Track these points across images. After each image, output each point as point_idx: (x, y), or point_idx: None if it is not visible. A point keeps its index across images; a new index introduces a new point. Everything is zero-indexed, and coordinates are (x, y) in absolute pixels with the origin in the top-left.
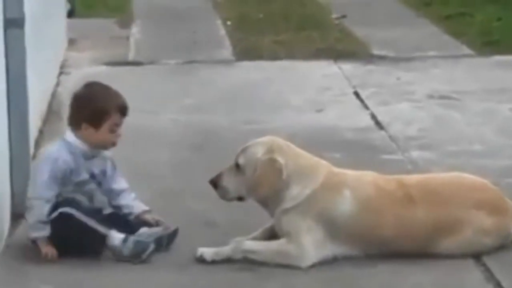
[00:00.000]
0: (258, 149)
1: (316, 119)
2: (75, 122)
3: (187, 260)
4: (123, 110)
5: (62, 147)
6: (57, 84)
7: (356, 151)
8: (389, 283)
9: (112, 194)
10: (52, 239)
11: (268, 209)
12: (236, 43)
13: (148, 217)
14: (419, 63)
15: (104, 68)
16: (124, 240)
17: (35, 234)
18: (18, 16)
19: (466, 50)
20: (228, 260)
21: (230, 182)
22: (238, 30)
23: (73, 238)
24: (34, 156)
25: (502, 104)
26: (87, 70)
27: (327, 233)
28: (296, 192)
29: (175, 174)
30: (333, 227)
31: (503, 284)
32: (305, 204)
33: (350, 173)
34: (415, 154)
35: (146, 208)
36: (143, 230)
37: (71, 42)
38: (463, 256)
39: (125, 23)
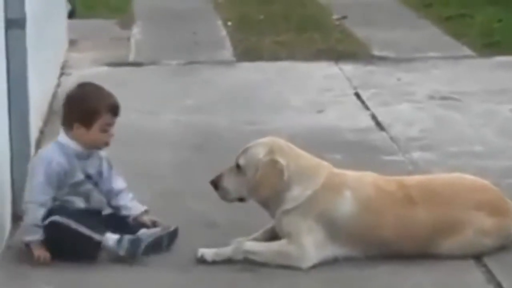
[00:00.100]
0: (259, 150)
1: (316, 120)
2: (68, 122)
3: (188, 261)
4: (114, 110)
5: (55, 149)
6: (58, 85)
7: (357, 152)
8: (390, 284)
9: (110, 194)
10: (46, 244)
11: (269, 210)
12: (237, 43)
13: (145, 219)
14: (419, 64)
15: (105, 69)
16: (119, 241)
17: (28, 238)
18: (19, 16)
19: (467, 51)
20: (228, 261)
21: (230, 183)
22: (239, 31)
23: (66, 245)
24: None
25: (503, 105)
26: (88, 71)
27: (327, 234)
28: (297, 193)
29: (175, 174)
30: (333, 228)
31: (504, 285)
32: (306, 205)
33: (350, 174)
34: (415, 155)
35: (144, 209)
36: (142, 231)
37: (72, 43)
38: (463, 257)
39: (126, 24)
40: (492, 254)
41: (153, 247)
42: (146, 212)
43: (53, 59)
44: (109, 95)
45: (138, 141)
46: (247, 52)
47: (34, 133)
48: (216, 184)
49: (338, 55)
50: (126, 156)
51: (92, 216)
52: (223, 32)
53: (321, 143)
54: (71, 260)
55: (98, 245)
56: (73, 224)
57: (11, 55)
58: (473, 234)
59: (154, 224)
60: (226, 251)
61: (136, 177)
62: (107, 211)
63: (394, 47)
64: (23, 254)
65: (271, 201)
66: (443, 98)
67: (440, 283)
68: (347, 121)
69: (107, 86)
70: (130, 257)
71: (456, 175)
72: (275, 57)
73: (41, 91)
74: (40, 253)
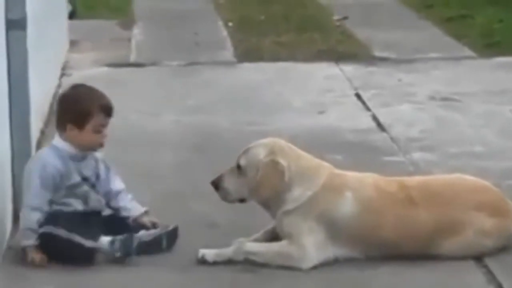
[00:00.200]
0: (260, 151)
1: (317, 120)
2: (61, 124)
3: (189, 261)
4: (107, 110)
5: (50, 152)
6: (59, 86)
7: (358, 152)
8: (390, 284)
9: (109, 195)
10: (41, 249)
11: (270, 211)
12: (238, 44)
13: (145, 220)
14: (420, 64)
15: (105, 69)
16: (112, 242)
17: (23, 243)
18: (20, 17)
19: (468, 52)
20: (229, 262)
21: (231, 184)
22: (240, 31)
23: (60, 254)
24: None
25: (504, 106)
26: (89, 71)
27: (328, 234)
28: (297, 194)
29: (176, 175)
30: (334, 229)
31: (504, 285)
32: (307, 206)
33: (351, 174)
34: (416, 155)
35: (143, 210)
36: (142, 233)
37: (73, 44)
38: (464, 257)
39: (127, 25)
40: (492, 255)
41: (151, 247)
42: (146, 213)
43: (53, 60)
44: (101, 96)
45: (139, 142)
46: (248, 53)
47: (34, 134)
48: (216, 184)
49: (338, 56)
50: (126, 157)
51: (90, 218)
52: (224, 33)
53: (322, 144)
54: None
55: (90, 251)
56: (64, 234)
57: (12, 55)
58: (474, 234)
59: (154, 226)
60: (226, 251)
61: (137, 177)
62: (107, 212)
63: (395, 48)
64: (24, 255)
65: (271, 201)
66: (444, 99)
67: (440, 284)
68: (348, 122)
69: (108, 87)
70: (125, 256)
71: (456, 176)
72: (275, 58)
73: (42, 92)
74: (36, 256)
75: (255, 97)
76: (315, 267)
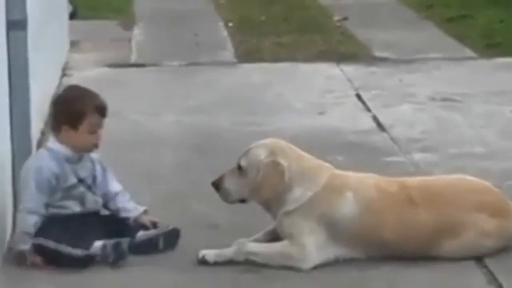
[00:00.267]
0: (261, 152)
1: (318, 121)
2: (56, 126)
3: (189, 262)
4: (101, 110)
5: (45, 155)
6: (59, 86)
7: (358, 153)
8: (391, 285)
9: (107, 197)
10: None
11: (271, 211)
12: (238, 45)
13: (145, 220)
14: (421, 65)
15: (106, 70)
16: (103, 247)
17: (21, 246)
18: (21, 18)
19: (468, 52)
20: (230, 262)
21: (232, 184)
22: (240, 32)
23: (54, 262)
24: None
25: (504, 106)
26: (89, 72)
27: (329, 235)
28: (298, 194)
29: (176, 175)
30: (335, 229)
31: (505, 286)
32: (307, 206)
33: (352, 175)
34: (417, 156)
35: (142, 209)
36: (140, 234)
37: (73, 44)
38: (465, 258)
39: (127, 25)
40: (493, 256)
41: (148, 248)
42: (145, 212)
43: (54, 60)
44: (95, 96)
45: (139, 142)
46: (248, 53)
47: (35, 134)
48: (217, 185)
49: (339, 57)
50: (127, 157)
51: (87, 220)
52: (224, 33)
53: (322, 145)
54: None
55: (80, 260)
56: (53, 245)
57: (13, 56)
58: (474, 235)
59: (154, 225)
60: (227, 252)
61: (137, 177)
62: (105, 211)
63: (395, 48)
64: (24, 255)
65: (272, 202)
66: (444, 99)
67: (441, 284)
68: (348, 123)
69: (108, 87)
70: (117, 260)
71: (457, 176)
72: (276, 58)
73: (43, 92)
74: (34, 260)
75: (255, 98)
76: (315, 268)
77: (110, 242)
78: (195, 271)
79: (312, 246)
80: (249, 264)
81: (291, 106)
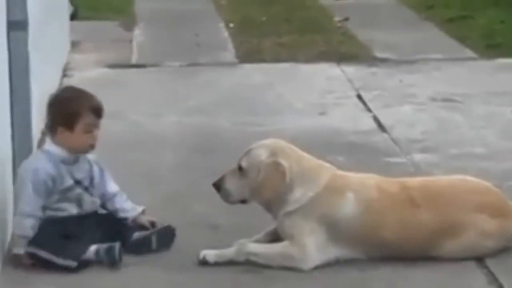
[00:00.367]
0: (261, 152)
1: (318, 121)
2: (52, 128)
3: (190, 262)
4: (96, 111)
5: (41, 157)
6: (60, 87)
7: (359, 153)
8: (391, 285)
9: (105, 198)
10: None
11: (271, 212)
12: (239, 45)
13: (144, 219)
14: (421, 65)
15: (107, 70)
16: (97, 252)
17: (16, 250)
18: (22, 18)
19: (469, 53)
20: (231, 262)
21: (233, 185)
22: (241, 32)
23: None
24: None
25: (505, 107)
26: (90, 72)
27: (330, 235)
28: (299, 195)
29: (177, 175)
30: (336, 230)
31: (505, 286)
32: (308, 207)
33: (353, 175)
34: (417, 156)
35: (140, 209)
36: (136, 235)
37: (74, 45)
38: (465, 258)
39: (128, 26)
40: (494, 256)
41: (141, 247)
42: (143, 212)
43: (55, 61)
44: (91, 97)
45: (140, 142)
46: (249, 54)
47: (36, 134)
48: (218, 186)
49: (340, 57)
50: (127, 157)
51: (84, 222)
52: (225, 34)
53: (323, 145)
54: None
55: (72, 268)
56: (46, 255)
57: (13, 56)
58: (475, 236)
59: (152, 225)
60: (228, 252)
61: (138, 178)
62: (103, 210)
63: (396, 49)
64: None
65: (273, 203)
66: (445, 100)
67: (441, 285)
68: (349, 123)
69: (109, 88)
70: (111, 264)
71: (458, 177)
72: (277, 59)
73: (43, 92)
74: (28, 264)
75: (256, 98)
76: (316, 268)
77: (103, 246)
78: (196, 272)
79: (312, 246)
80: (249, 264)
81: (292, 107)
